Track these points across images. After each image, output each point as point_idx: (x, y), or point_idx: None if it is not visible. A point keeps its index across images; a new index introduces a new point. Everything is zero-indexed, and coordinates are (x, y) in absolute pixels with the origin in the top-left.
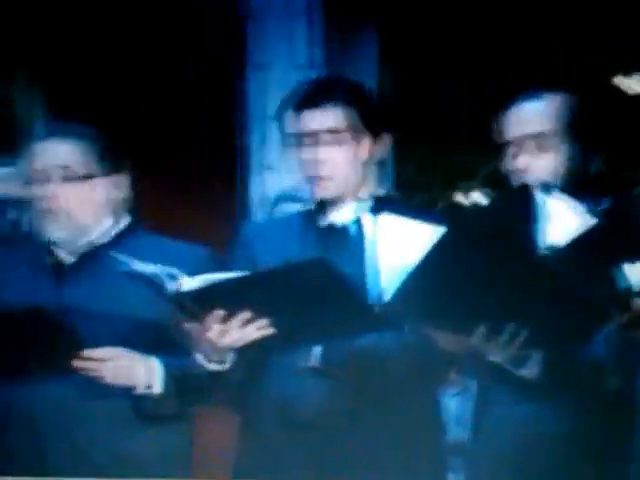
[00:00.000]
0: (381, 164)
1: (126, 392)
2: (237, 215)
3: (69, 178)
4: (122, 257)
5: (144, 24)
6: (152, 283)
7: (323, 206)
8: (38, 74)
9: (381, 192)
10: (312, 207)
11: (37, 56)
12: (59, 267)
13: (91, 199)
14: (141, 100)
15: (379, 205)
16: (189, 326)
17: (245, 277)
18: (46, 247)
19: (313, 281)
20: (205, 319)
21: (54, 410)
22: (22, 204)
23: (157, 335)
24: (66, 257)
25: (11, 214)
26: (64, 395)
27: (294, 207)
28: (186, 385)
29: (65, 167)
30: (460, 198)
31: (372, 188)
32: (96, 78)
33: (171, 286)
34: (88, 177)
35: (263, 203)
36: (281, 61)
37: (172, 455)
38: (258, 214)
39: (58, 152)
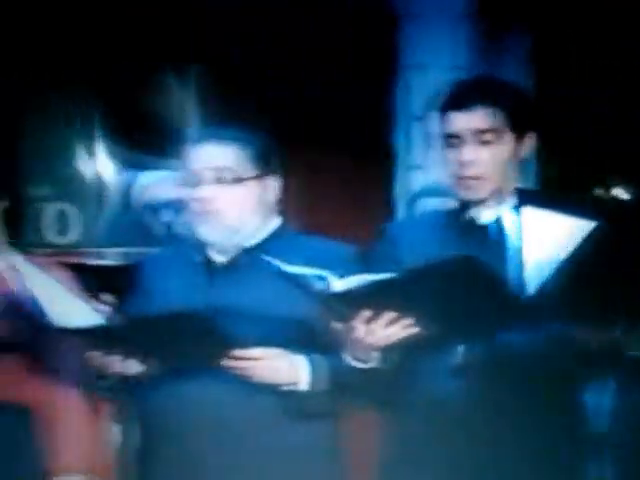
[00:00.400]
0: (526, 162)
1: (275, 390)
2: (383, 214)
3: (223, 180)
4: (272, 258)
5: (299, 25)
6: (301, 284)
7: (467, 204)
8: (192, 78)
9: (525, 189)
10: (455, 205)
11: (189, 61)
12: (211, 267)
13: (244, 201)
14: (292, 101)
15: (523, 201)
16: (336, 326)
17: (392, 278)
18: (199, 248)
19: (458, 278)
20: (352, 319)
21: (205, 409)
22: (176, 206)
23: (305, 334)
24: (218, 258)
25: (166, 216)
26: (215, 394)
27: (434, 202)
28: (333, 383)
29: (220, 169)
30: (601, 193)
31: (516, 185)
32: (247, 80)
33: (320, 287)
34: (241, 179)
35: (408, 202)
36: (432, 62)
37: (318, 453)
38: (403, 213)
39: (213, 155)
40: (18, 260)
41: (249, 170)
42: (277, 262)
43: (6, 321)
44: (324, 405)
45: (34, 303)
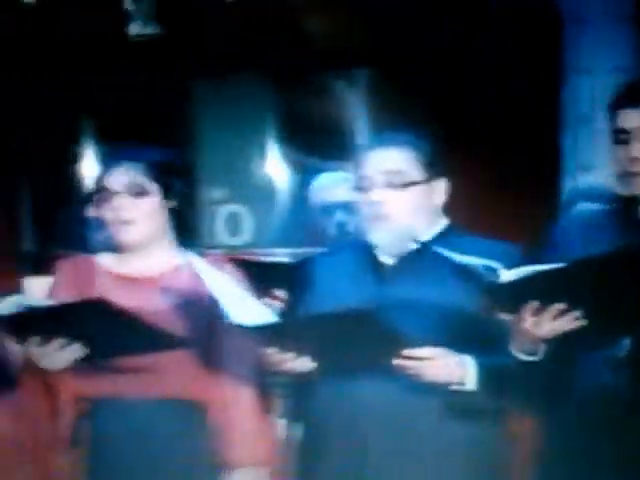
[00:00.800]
0: None
1: (442, 389)
2: (550, 215)
3: (395, 184)
4: (442, 251)
5: (466, 28)
6: (471, 276)
7: (632, 201)
8: (363, 83)
9: None
10: (619, 203)
11: (360, 65)
12: (379, 268)
13: (413, 204)
14: (459, 104)
15: None
16: (505, 317)
17: (560, 268)
18: (369, 249)
19: (631, 268)
20: (520, 311)
21: (373, 407)
22: (349, 207)
23: (474, 329)
24: (387, 259)
25: (338, 217)
26: (383, 393)
27: (595, 203)
28: (499, 381)
29: (392, 173)
30: None
31: None
32: (416, 84)
33: (489, 278)
34: (411, 183)
35: (569, 202)
36: (598, 65)
37: (482, 452)
38: (567, 213)
39: (384, 159)
40: (195, 259)
41: (419, 174)
42: (446, 252)
43: (184, 318)
44: (489, 404)
45: (211, 301)
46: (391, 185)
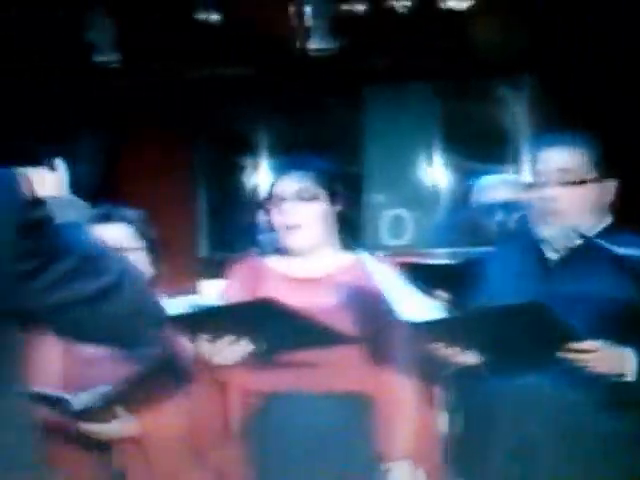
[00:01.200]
0: None
1: (603, 381)
2: None
3: (568, 182)
4: (605, 245)
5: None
6: (633, 269)
7: None
8: (525, 88)
9: None
10: None
11: (521, 71)
12: (547, 263)
13: (584, 201)
14: (620, 108)
15: None
16: None
17: None
18: (535, 245)
19: None
20: None
21: (541, 400)
22: (511, 206)
23: (635, 321)
24: (553, 254)
25: (500, 216)
26: (549, 385)
27: None
28: None
29: (565, 171)
30: None
31: None
32: (577, 87)
33: None
34: (584, 181)
35: None
36: None
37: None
38: None
39: (560, 158)
40: (365, 257)
41: (590, 172)
42: (609, 246)
43: (352, 316)
44: None
45: (379, 298)
46: (564, 182)
